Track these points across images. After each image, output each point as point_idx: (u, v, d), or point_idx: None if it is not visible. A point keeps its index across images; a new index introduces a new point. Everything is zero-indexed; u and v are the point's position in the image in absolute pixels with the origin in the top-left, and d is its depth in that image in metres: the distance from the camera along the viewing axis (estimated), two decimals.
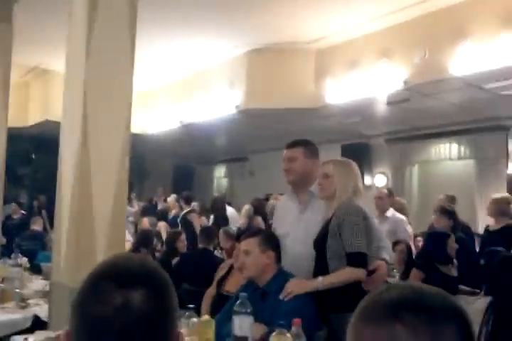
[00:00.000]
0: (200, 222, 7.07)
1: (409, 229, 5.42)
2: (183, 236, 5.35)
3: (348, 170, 2.80)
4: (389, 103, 6.88)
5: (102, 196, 3.10)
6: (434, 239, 4.08)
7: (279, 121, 8.02)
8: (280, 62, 7.46)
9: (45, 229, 6.96)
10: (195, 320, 2.31)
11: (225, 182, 12.57)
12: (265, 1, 5.95)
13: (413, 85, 6.20)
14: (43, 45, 7.36)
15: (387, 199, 5.42)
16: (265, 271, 2.59)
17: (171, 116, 9.44)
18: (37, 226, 6.91)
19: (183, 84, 9.21)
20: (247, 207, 7.21)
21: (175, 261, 4.97)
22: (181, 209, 7.87)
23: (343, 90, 6.97)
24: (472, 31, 5.55)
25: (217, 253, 5.52)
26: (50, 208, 5.03)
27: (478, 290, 4.09)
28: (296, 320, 2.04)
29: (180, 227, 6.77)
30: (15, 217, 8.58)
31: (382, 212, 5.28)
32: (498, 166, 7.42)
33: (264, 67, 7.58)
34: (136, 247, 5.19)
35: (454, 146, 8.03)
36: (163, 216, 8.27)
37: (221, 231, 5.47)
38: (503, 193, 5.78)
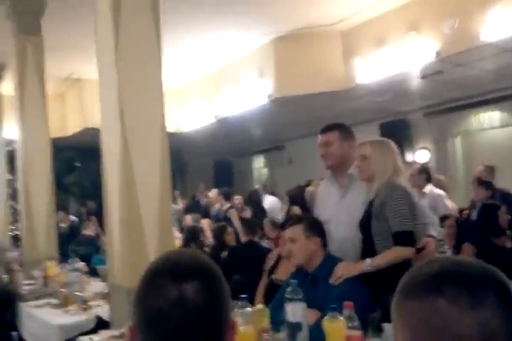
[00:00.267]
0: (239, 217, 7.11)
1: (450, 203, 5.34)
2: (230, 229, 5.42)
3: (385, 149, 2.77)
4: (423, 76, 6.75)
5: (147, 198, 3.18)
6: (484, 211, 4.00)
7: (312, 106, 7.97)
8: (307, 47, 7.41)
9: (96, 233, 7.17)
10: (249, 309, 2.34)
11: (264, 172, 12.60)
12: None
13: (445, 56, 6.06)
14: (73, 54, 7.53)
15: (419, 175, 5.38)
16: (313, 257, 2.61)
17: (204, 112, 9.51)
18: (89, 231, 7.14)
19: (213, 79, 9.25)
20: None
21: (223, 255, 5.04)
22: (223, 204, 7.97)
23: (374, 69, 6.87)
24: None
25: (264, 243, 5.57)
26: (99, 213, 5.20)
27: None
28: (347, 303, 2.05)
29: None
30: (63, 225, 8.80)
31: (418, 188, 5.22)
32: None
33: (292, 53, 7.53)
34: (185, 243, 5.29)
35: (496, 114, 7.80)
36: (206, 212, 8.39)
37: (266, 221, 5.51)
38: None
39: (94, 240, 6.96)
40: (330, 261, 2.58)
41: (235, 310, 2.31)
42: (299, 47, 7.44)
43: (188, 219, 7.58)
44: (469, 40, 5.75)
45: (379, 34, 6.73)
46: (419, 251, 2.56)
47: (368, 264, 2.49)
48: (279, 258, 3.47)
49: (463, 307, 0.74)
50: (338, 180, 2.96)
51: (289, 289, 2.27)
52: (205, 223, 7.39)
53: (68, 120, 10.08)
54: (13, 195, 7.48)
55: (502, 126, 7.78)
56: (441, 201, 5.19)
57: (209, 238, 6.09)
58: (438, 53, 6.08)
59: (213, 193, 8.92)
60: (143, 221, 3.16)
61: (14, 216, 7.74)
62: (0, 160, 7.88)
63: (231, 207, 7.50)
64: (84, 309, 3.68)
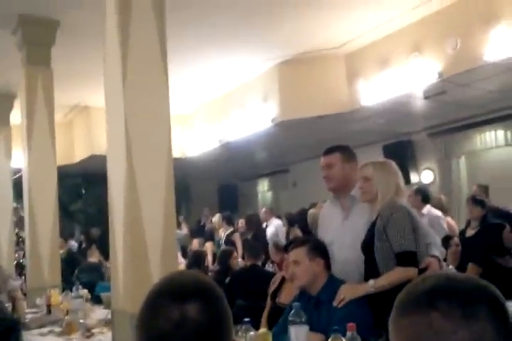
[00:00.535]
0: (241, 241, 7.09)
1: (451, 222, 5.47)
2: (235, 254, 5.38)
3: (387, 170, 2.77)
4: (426, 97, 6.77)
5: (152, 224, 3.19)
6: (488, 231, 3.96)
7: (316, 129, 8.00)
8: (311, 70, 7.47)
9: (99, 260, 7.15)
10: (252, 333, 2.32)
11: (269, 195, 12.58)
12: (288, 13, 5.98)
13: (448, 76, 6.07)
14: (81, 83, 7.64)
15: (415, 196, 5.41)
16: (316, 279, 2.59)
17: (208, 136, 9.57)
18: (93, 258, 7.12)
19: (218, 104, 9.34)
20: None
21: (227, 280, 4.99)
22: (226, 228, 7.97)
23: (377, 90, 6.91)
24: (503, 14, 5.39)
25: (268, 267, 5.51)
26: (103, 240, 5.18)
27: None
28: (350, 325, 2.02)
29: None
30: (61, 251, 8.67)
31: (417, 209, 5.22)
32: None
33: (296, 76, 7.59)
34: (189, 268, 5.25)
35: (500, 133, 7.78)
36: (211, 236, 8.37)
37: (270, 244, 5.47)
38: None
39: (98, 267, 6.93)
40: (333, 284, 2.56)
41: (239, 333, 2.29)
42: (303, 70, 7.51)
43: (195, 243, 7.56)
44: (472, 60, 5.76)
45: (382, 56, 6.78)
46: (422, 271, 2.53)
47: (371, 286, 2.46)
48: (283, 281, 3.44)
49: (456, 321, 0.74)
50: (341, 202, 2.96)
51: (292, 312, 2.24)
52: (209, 247, 7.37)
53: (75, 147, 10.16)
54: (19, 223, 7.49)
55: (507, 145, 7.75)
56: (438, 222, 5.21)
57: (210, 262, 6.06)
58: (441, 74, 6.09)
59: (217, 218, 8.93)
60: (147, 247, 3.17)
61: (20, 244, 7.74)
62: (7, 188, 7.91)
63: (234, 232, 7.49)
64: (88, 337, 3.64)
